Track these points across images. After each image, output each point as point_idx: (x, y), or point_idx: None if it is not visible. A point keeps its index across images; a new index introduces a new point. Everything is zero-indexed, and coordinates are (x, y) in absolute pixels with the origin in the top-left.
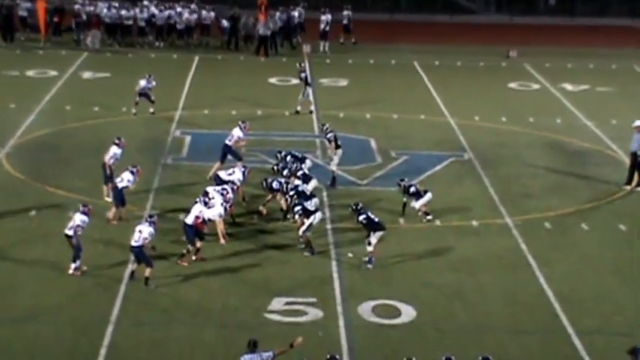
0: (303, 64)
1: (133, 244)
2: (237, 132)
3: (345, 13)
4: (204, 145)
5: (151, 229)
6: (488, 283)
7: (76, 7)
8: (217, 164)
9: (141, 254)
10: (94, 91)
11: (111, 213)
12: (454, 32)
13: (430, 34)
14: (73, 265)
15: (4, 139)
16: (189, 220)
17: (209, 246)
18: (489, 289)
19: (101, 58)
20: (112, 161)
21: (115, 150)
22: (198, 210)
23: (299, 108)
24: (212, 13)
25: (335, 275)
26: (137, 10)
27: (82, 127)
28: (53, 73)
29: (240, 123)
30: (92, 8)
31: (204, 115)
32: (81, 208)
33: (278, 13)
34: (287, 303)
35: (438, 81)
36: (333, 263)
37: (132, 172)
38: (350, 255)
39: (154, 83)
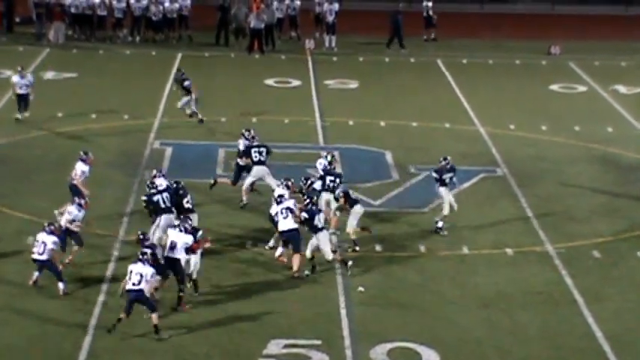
0: (182, 69)
1: (37, 257)
2: (242, 142)
3: (425, 3)
4: (189, 159)
5: (54, 238)
6: (525, 323)
7: None
8: (227, 181)
9: (52, 267)
10: (57, 95)
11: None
12: (486, 24)
13: (457, 27)
14: (61, 286)
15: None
16: (179, 253)
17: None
18: (527, 330)
19: (66, 56)
20: (80, 180)
21: (81, 167)
22: (188, 239)
23: (200, 115)
24: (188, 1)
25: (343, 312)
26: None
27: (43, 137)
28: (9, 73)
29: (243, 132)
30: None
31: (188, 124)
32: (47, 228)
33: (276, 3)
34: (286, 346)
35: (465, 82)
36: (341, 298)
37: (79, 206)
38: (361, 289)
39: (30, 78)
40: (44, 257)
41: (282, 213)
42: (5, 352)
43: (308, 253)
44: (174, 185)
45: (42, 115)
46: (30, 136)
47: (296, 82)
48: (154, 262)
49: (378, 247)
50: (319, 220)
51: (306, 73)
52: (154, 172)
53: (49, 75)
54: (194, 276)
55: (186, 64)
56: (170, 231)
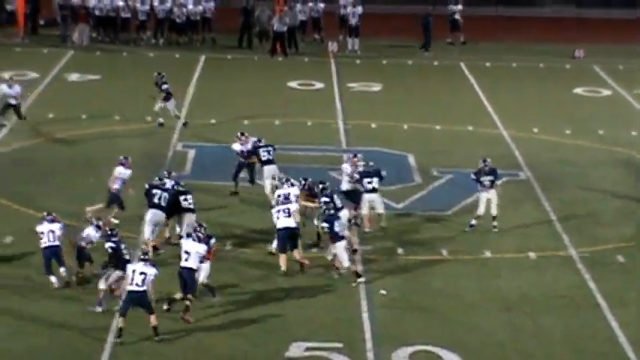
0: (163, 73)
1: (50, 244)
2: (236, 146)
3: (453, 7)
4: (211, 161)
5: (59, 224)
6: (548, 327)
7: None
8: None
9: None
10: (81, 96)
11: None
12: (510, 27)
13: (481, 30)
14: (62, 270)
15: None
16: (192, 263)
17: (214, 281)
18: (550, 334)
19: (90, 58)
20: (118, 185)
21: (120, 171)
22: (200, 248)
23: (181, 119)
24: (212, 4)
25: (365, 316)
26: (138, 1)
27: (67, 139)
28: (33, 74)
29: (238, 135)
30: None
31: (211, 126)
32: (47, 217)
33: (299, 5)
34: (308, 349)
35: (489, 85)
36: (363, 301)
37: (97, 227)
38: (383, 292)
39: (17, 89)
40: (57, 243)
41: (284, 212)
42: (29, 354)
43: (329, 257)
44: (175, 187)
45: (65, 116)
46: (54, 138)
47: (319, 85)
48: (115, 255)
49: (400, 250)
50: (339, 227)
51: (329, 76)
52: (173, 173)
53: (73, 77)
54: (205, 281)
55: (209, 66)
56: (183, 241)
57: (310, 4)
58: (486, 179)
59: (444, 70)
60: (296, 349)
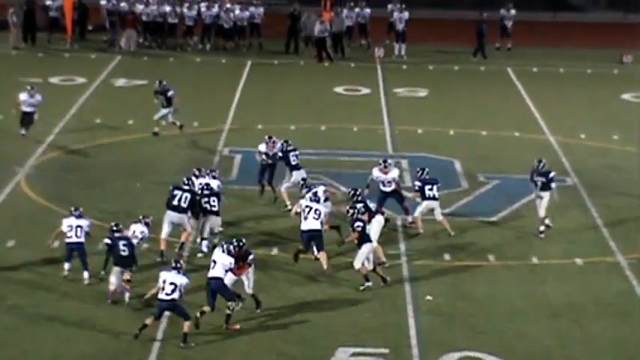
0: (164, 80)
1: (76, 240)
2: (262, 147)
3: (505, 12)
4: (257, 166)
5: (86, 221)
6: (596, 334)
7: (105, 2)
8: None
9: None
10: (128, 101)
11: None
12: (557, 33)
13: (528, 35)
14: (86, 274)
15: (23, 158)
16: (218, 271)
17: (259, 284)
18: (597, 341)
19: (137, 63)
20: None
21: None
22: (226, 260)
23: (157, 129)
24: (261, 9)
25: (411, 321)
26: (185, 6)
27: (114, 144)
28: (81, 79)
29: (266, 138)
30: (125, 4)
31: (258, 131)
32: (75, 213)
33: (346, 11)
34: (354, 354)
35: (536, 91)
36: (409, 307)
37: (146, 224)
38: (429, 298)
39: (38, 97)
40: (82, 239)
41: (314, 212)
42: None
43: (357, 265)
44: (203, 188)
45: (113, 122)
46: (101, 143)
47: (365, 90)
48: (111, 251)
49: (446, 256)
50: (369, 230)
51: (375, 81)
52: (203, 169)
53: (120, 82)
54: (251, 291)
55: (255, 71)
56: (216, 251)
57: (357, 10)
58: (538, 180)
59: (491, 75)
60: (342, 354)
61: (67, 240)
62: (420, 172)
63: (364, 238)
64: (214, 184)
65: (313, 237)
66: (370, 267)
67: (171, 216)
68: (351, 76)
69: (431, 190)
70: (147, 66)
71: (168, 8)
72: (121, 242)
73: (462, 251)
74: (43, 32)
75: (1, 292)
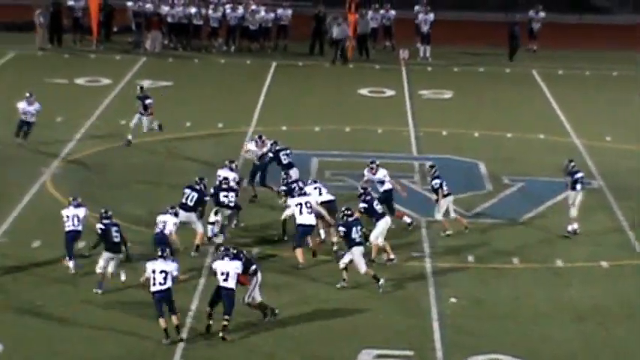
0: (143, 87)
1: (74, 228)
2: (251, 145)
3: (533, 14)
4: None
5: (84, 210)
6: (622, 337)
7: (131, 4)
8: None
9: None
10: (153, 103)
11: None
12: (583, 35)
13: (554, 37)
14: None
15: (49, 159)
16: (232, 283)
17: (284, 285)
18: (623, 345)
19: (162, 64)
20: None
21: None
22: (235, 264)
23: (130, 137)
24: (289, 11)
25: (435, 324)
26: (210, 8)
27: (139, 145)
28: (106, 81)
29: (256, 137)
30: (150, 6)
31: (282, 132)
32: (73, 202)
33: (370, 13)
34: (378, 356)
35: (561, 93)
36: (433, 309)
37: (175, 214)
38: (453, 300)
39: (37, 106)
40: (80, 228)
41: (306, 206)
42: None
43: (341, 265)
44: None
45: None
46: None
47: (390, 92)
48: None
49: (470, 258)
50: (356, 233)
51: (400, 83)
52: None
53: (145, 83)
54: (258, 299)
55: (280, 73)
56: (217, 263)
57: (382, 12)
58: (568, 180)
59: (516, 77)
60: (366, 356)
61: (66, 228)
62: (433, 170)
63: (353, 241)
64: (231, 176)
65: (308, 232)
66: (362, 270)
67: (179, 214)
68: (375, 78)
69: (447, 186)
70: (172, 67)
71: (193, 10)
72: (114, 228)
73: (486, 254)
74: (69, 33)
75: (28, 294)
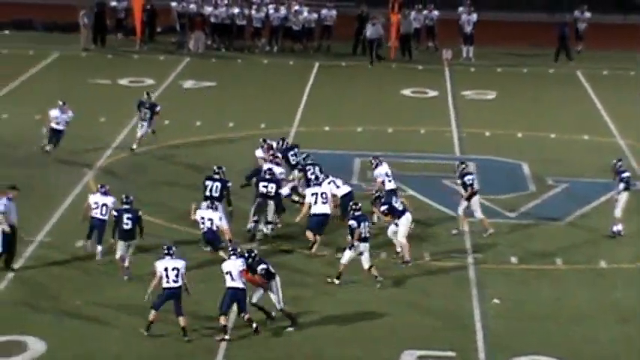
0: (150, 94)
1: (100, 217)
2: (258, 152)
3: (579, 14)
4: (325, 168)
5: (112, 199)
6: None
7: (175, 4)
8: None
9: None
10: (196, 103)
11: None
12: (627, 35)
13: (598, 38)
14: (99, 248)
15: (92, 159)
16: (238, 282)
17: (319, 283)
18: None
19: (205, 65)
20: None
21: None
22: (238, 265)
23: (135, 146)
24: (334, 12)
25: (478, 325)
26: (253, 8)
27: (182, 146)
28: (150, 81)
29: (260, 141)
30: (194, 6)
31: (325, 133)
32: (101, 189)
33: (413, 13)
34: (420, 357)
35: (606, 94)
36: (476, 310)
37: (215, 208)
38: (496, 301)
39: (70, 114)
40: (106, 217)
41: (321, 197)
42: None
43: (344, 261)
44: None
45: (181, 123)
46: (169, 145)
47: (433, 93)
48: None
49: (513, 259)
50: (364, 228)
51: (443, 84)
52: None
53: (189, 84)
54: (280, 306)
55: (323, 73)
56: (225, 264)
57: (425, 12)
58: (616, 179)
59: (560, 78)
60: (408, 357)
61: (93, 215)
62: (463, 167)
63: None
64: (277, 170)
65: (323, 221)
66: (365, 266)
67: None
68: (418, 78)
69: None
70: (215, 68)
71: (236, 10)
72: (126, 216)
73: (529, 254)
74: (113, 34)
75: (69, 293)
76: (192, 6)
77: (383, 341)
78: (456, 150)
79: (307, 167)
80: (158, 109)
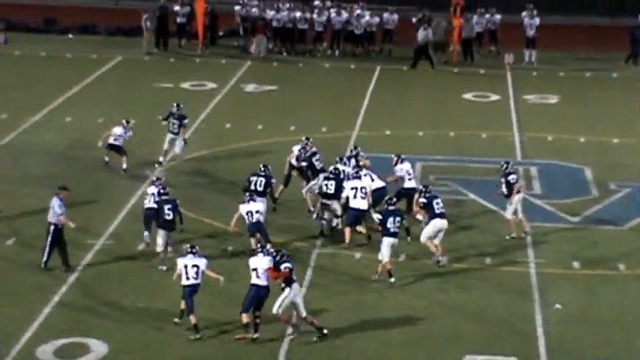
0: (181, 105)
1: (150, 205)
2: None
3: None
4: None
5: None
6: None
7: (239, 8)
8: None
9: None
10: (258, 107)
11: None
12: None
13: None
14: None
15: (154, 162)
16: (263, 280)
17: (381, 289)
18: None
19: (267, 68)
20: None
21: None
22: (265, 263)
23: (162, 159)
24: (395, 16)
25: (539, 330)
26: (315, 12)
27: (243, 149)
28: (212, 85)
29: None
30: (256, 10)
31: (386, 137)
32: (156, 183)
33: (475, 17)
34: None
35: None
36: (538, 316)
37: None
38: (558, 306)
39: (130, 134)
40: (155, 206)
41: (360, 191)
42: None
43: (386, 258)
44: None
45: (242, 127)
46: (231, 148)
47: (495, 97)
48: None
49: (575, 264)
50: (392, 224)
51: (504, 88)
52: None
53: (250, 87)
54: (304, 313)
55: (384, 77)
56: (252, 259)
57: (487, 16)
58: None
59: (623, 82)
60: None
61: (145, 206)
62: (505, 166)
63: (387, 231)
64: (347, 169)
65: (359, 216)
66: (385, 259)
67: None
68: (480, 82)
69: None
70: (276, 71)
71: (298, 14)
72: (167, 206)
73: (591, 260)
74: (175, 38)
75: (131, 295)
76: (255, 10)
77: (445, 346)
78: (517, 154)
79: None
80: (186, 121)
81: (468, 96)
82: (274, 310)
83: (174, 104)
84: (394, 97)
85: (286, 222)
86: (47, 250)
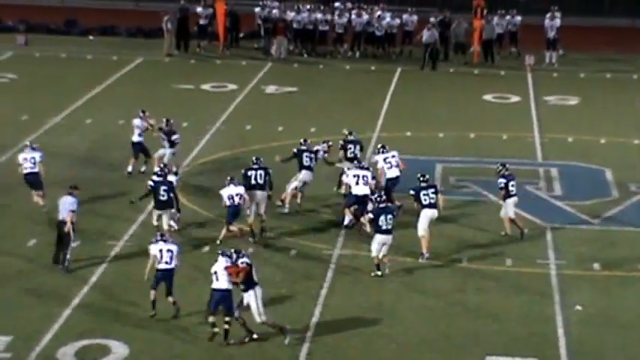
0: (170, 121)
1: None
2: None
3: None
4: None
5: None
6: None
7: (259, 10)
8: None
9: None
10: (278, 108)
11: None
12: None
13: None
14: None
15: (176, 163)
16: (222, 283)
17: (399, 289)
18: None
19: (287, 70)
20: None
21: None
22: (223, 264)
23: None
24: (415, 17)
25: (560, 331)
26: (336, 14)
27: (264, 150)
28: (232, 86)
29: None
30: (276, 11)
31: (407, 138)
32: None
33: (496, 18)
34: None
35: None
36: (558, 317)
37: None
38: (579, 308)
39: (146, 123)
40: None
41: (362, 179)
42: None
43: (374, 254)
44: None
45: (263, 128)
46: (252, 149)
47: (515, 98)
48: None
49: (596, 266)
50: (384, 221)
51: (525, 89)
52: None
53: (271, 89)
54: (261, 319)
55: (405, 79)
56: (214, 265)
57: (507, 17)
58: None
59: None
60: None
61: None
62: (501, 169)
63: (378, 228)
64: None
65: (359, 201)
66: (373, 254)
67: (252, 194)
68: (500, 83)
69: (512, 186)
70: (297, 73)
71: (319, 15)
72: (162, 187)
73: (612, 261)
74: (196, 39)
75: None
76: (275, 11)
77: (466, 347)
78: (538, 156)
79: (348, 146)
80: (175, 137)
81: (488, 97)
82: (258, 321)
83: (164, 119)
84: (414, 98)
85: (308, 224)
86: (68, 250)
